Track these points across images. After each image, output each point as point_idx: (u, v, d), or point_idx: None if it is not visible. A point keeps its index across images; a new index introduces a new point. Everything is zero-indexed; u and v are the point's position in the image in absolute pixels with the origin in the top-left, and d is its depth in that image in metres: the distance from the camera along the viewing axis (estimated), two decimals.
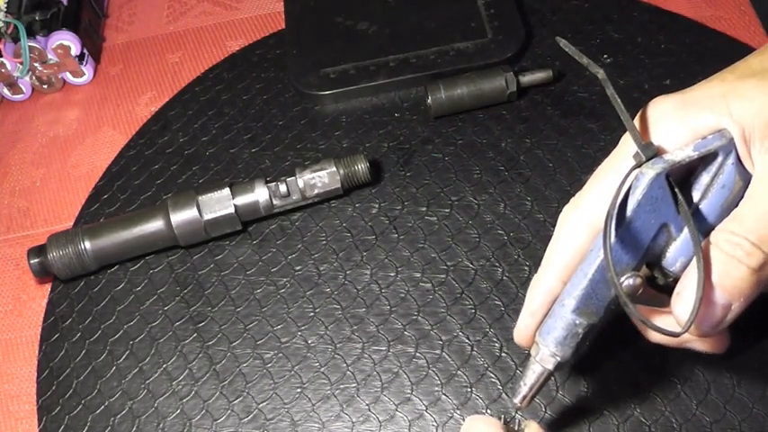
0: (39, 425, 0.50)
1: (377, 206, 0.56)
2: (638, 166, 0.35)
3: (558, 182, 0.55)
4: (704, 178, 0.36)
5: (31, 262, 0.54)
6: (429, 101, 0.58)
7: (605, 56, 0.61)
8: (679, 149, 0.36)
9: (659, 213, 0.35)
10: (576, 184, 0.54)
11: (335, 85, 0.61)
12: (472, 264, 0.52)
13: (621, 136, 0.56)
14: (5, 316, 0.56)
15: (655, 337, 0.40)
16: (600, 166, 0.39)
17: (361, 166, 0.55)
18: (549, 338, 0.38)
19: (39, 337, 0.54)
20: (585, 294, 0.37)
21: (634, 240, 0.36)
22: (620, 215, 0.35)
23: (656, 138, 0.36)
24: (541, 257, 0.51)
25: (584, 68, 0.60)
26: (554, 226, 0.52)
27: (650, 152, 0.35)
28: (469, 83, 0.58)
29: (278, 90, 0.63)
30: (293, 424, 0.48)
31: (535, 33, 0.63)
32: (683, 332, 0.34)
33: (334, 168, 0.54)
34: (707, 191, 0.36)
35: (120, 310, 0.54)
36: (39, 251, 0.54)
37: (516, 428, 0.40)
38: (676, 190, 0.35)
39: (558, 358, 0.38)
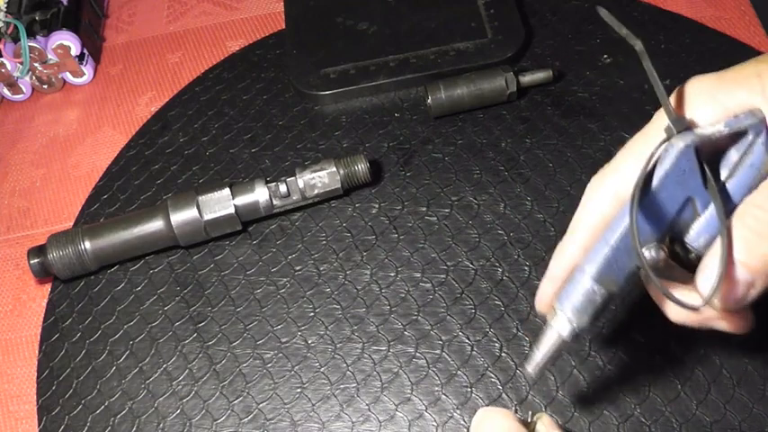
0: (39, 425, 0.50)
1: (377, 206, 0.56)
2: (668, 138, 0.35)
3: (558, 182, 0.55)
4: (733, 156, 0.36)
5: (31, 262, 0.54)
6: (429, 101, 0.58)
7: (605, 56, 0.61)
8: (710, 125, 0.36)
9: (686, 187, 0.35)
10: (576, 184, 0.55)
11: (335, 85, 0.61)
12: (472, 264, 0.52)
13: (623, 135, 0.56)
14: (5, 316, 0.56)
15: (675, 314, 0.39)
16: (631, 139, 0.39)
17: (361, 166, 0.55)
18: (567, 304, 0.37)
19: (39, 337, 0.54)
20: (607, 262, 0.36)
21: (659, 212, 0.36)
22: (646, 186, 0.35)
23: (690, 114, 0.37)
24: (541, 257, 0.52)
25: (584, 68, 0.60)
26: (554, 226, 0.53)
27: (681, 125, 0.35)
28: (469, 83, 0.58)
29: (278, 90, 0.63)
30: (293, 424, 0.48)
31: (535, 33, 0.63)
32: (703, 305, 0.34)
33: (334, 168, 0.54)
34: (735, 169, 0.36)
35: (120, 310, 0.54)
36: (39, 251, 0.54)
37: (529, 420, 0.40)
38: (704, 165, 0.35)
39: (574, 325, 0.37)
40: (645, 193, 0.35)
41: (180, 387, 0.50)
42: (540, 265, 0.51)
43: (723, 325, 0.39)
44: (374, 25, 0.64)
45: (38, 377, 0.52)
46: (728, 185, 0.36)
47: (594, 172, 0.53)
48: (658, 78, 0.36)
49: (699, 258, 0.36)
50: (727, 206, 0.36)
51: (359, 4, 0.65)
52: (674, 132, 0.35)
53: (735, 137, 0.36)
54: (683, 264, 0.37)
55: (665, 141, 0.35)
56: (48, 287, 0.56)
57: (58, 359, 0.52)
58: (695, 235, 0.37)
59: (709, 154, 0.36)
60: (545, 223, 0.53)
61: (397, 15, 0.64)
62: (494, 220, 0.54)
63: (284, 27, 0.66)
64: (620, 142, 0.55)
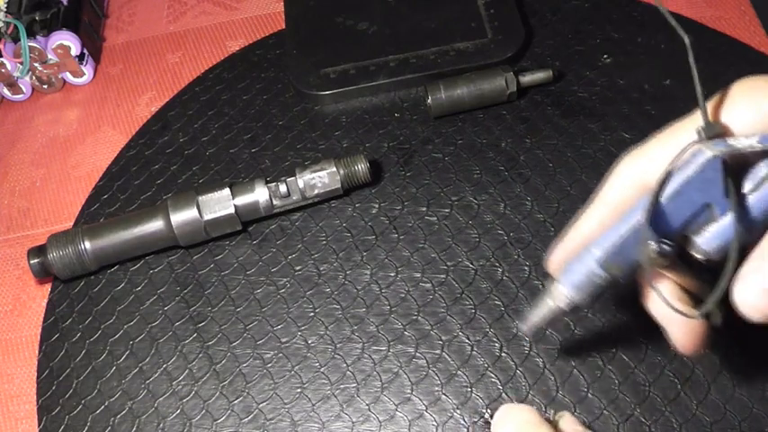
0: (39, 425, 0.50)
1: (377, 206, 0.56)
2: (699, 141, 0.35)
3: (558, 182, 0.55)
4: (762, 170, 0.35)
5: (31, 262, 0.54)
6: (429, 101, 0.58)
7: (605, 56, 0.61)
8: (744, 137, 0.35)
9: (706, 193, 0.35)
10: (576, 184, 0.55)
11: (335, 85, 0.61)
12: (472, 264, 0.52)
13: (623, 135, 0.56)
14: (5, 316, 0.56)
15: (654, 309, 0.39)
16: (667, 129, 0.38)
17: (361, 166, 0.55)
18: (568, 280, 0.38)
19: (39, 337, 0.54)
20: (614, 250, 0.37)
21: (675, 212, 0.36)
22: (666, 185, 0.35)
23: (728, 116, 0.36)
24: (541, 257, 0.51)
25: (584, 68, 0.60)
26: (554, 226, 0.53)
27: (712, 131, 0.35)
28: (469, 83, 0.58)
29: (278, 90, 0.63)
30: (293, 424, 0.48)
31: (535, 33, 0.63)
32: (700, 315, 0.34)
33: (334, 168, 0.54)
34: (761, 184, 0.35)
35: (120, 310, 0.54)
36: (39, 251, 0.54)
37: (551, 419, 0.40)
38: (728, 178, 0.35)
39: (570, 300, 0.38)
40: (663, 192, 0.35)
41: (180, 387, 0.50)
42: (540, 265, 0.51)
43: (679, 335, 0.39)
44: (374, 25, 0.64)
45: (38, 377, 0.52)
46: (750, 198, 0.35)
47: (595, 172, 0.53)
48: (697, 76, 0.35)
49: (707, 260, 0.36)
50: (746, 218, 0.35)
51: (359, 4, 0.65)
52: (704, 137, 0.35)
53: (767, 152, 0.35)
54: (690, 264, 0.37)
55: (694, 144, 0.35)
56: (48, 287, 0.56)
57: (58, 359, 0.52)
58: (708, 239, 0.36)
59: (737, 164, 0.35)
60: (545, 223, 0.53)
61: (397, 15, 0.64)
62: (494, 220, 0.54)
63: (284, 27, 0.66)
64: (621, 142, 0.56)
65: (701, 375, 0.46)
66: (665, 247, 0.36)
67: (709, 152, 0.34)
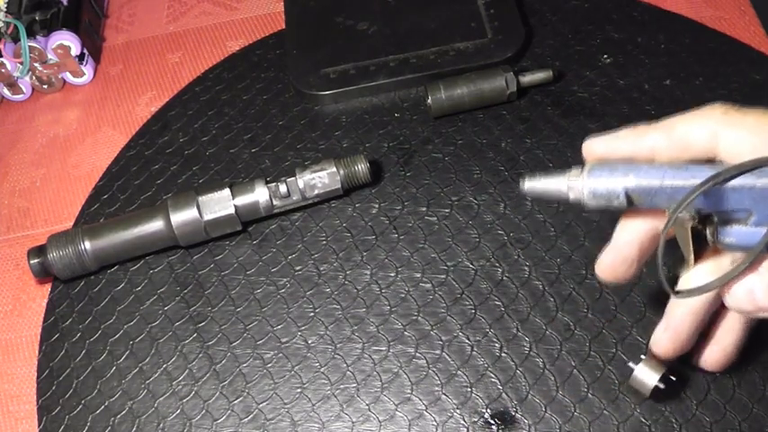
0: (39, 425, 0.50)
1: (377, 206, 0.56)
2: None
3: None
4: None
5: (31, 262, 0.54)
6: (429, 101, 0.58)
7: (605, 56, 0.61)
8: None
9: (758, 205, 0.35)
10: None
11: (335, 85, 0.61)
12: (472, 264, 0.52)
13: None
14: (5, 316, 0.56)
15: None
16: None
17: (361, 167, 0.55)
18: (590, 182, 0.38)
19: (39, 337, 0.54)
20: (648, 190, 0.37)
21: (721, 198, 0.36)
22: (737, 177, 0.35)
23: None
24: (541, 257, 0.51)
25: (584, 68, 0.60)
26: (554, 226, 0.53)
27: None
28: (469, 83, 0.58)
29: (278, 90, 0.63)
30: (293, 424, 0.48)
31: (535, 33, 0.63)
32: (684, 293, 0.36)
33: (335, 169, 0.54)
34: None
35: (120, 310, 0.54)
36: (39, 251, 0.54)
37: None
38: None
39: (583, 199, 0.38)
40: (724, 178, 0.35)
41: (180, 387, 0.50)
42: (540, 265, 0.51)
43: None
44: (374, 25, 0.64)
45: (38, 377, 0.52)
46: None
47: None
48: None
49: (713, 247, 0.37)
50: None
51: (359, 4, 0.65)
52: None
53: None
54: (696, 240, 0.38)
55: None
56: (48, 287, 0.56)
57: (58, 359, 0.52)
58: (729, 233, 0.37)
59: None
60: (545, 223, 0.53)
61: (397, 15, 0.64)
62: (494, 220, 0.54)
63: (284, 27, 0.66)
64: None
65: (700, 375, 0.46)
66: (691, 214, 0.36)
67: None
